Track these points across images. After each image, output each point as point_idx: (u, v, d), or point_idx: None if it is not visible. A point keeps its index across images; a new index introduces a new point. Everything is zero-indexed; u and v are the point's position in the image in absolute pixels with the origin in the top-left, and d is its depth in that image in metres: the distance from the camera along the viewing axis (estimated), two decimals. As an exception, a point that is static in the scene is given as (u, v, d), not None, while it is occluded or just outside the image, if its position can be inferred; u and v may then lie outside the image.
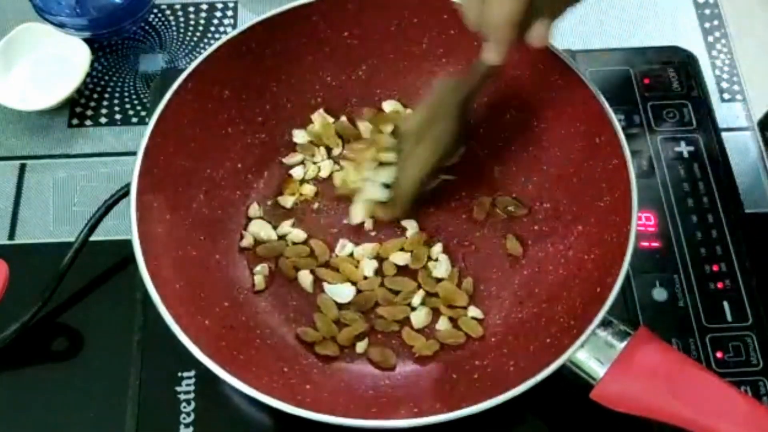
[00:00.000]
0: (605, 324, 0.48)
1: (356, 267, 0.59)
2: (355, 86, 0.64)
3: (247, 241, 0.60)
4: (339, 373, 0.55)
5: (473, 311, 0.58)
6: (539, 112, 0.60)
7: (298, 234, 0.60)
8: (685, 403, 0.46)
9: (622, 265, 0.50)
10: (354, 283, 0.58)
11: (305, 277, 0.59)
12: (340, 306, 0.58)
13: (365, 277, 0.59)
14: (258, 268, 0.59)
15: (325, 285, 0.58)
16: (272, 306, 0.58)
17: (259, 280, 0.58)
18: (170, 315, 0.48)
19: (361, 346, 0.56)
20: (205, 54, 0.56)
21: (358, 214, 0.60)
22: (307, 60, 0.62)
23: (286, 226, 0.61)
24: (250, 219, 0.61)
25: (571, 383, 0.48)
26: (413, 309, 0.58)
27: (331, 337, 0.56)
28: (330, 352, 0.56)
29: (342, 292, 0.58)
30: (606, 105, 0.55)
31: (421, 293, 0.58)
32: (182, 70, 0.56)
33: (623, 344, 0.48)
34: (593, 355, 0.48)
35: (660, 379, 0.47)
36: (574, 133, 0.58)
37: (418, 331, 0.57)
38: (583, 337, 0.48)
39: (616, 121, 0.54)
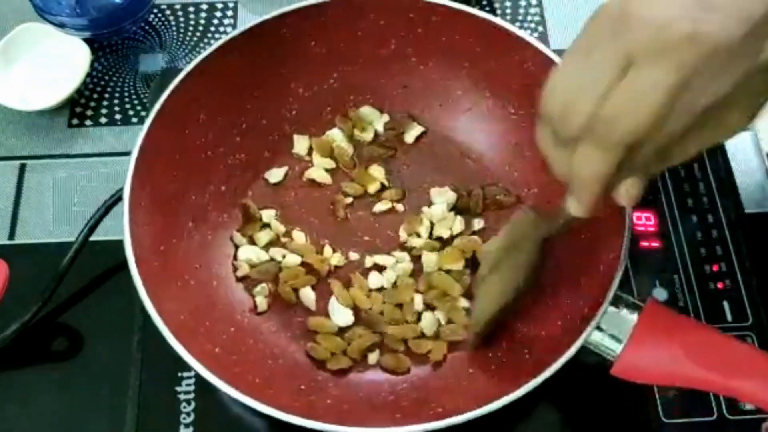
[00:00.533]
0: (615, 300, 0.49)
1: (361, 276, 0.59)
2: (327, 95, 0.64)
3: (242, 271, 0.59)
4: (355, 383, 0.55)
5: (464, 302, 0.57)
6: (515, 100, 0.61)
7: (291, 259, 0.60)
8: (705, 366, 0.46)
9: (622, 239, 0.50)
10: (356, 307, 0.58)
11: (307, 296, 0.58)
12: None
13: (369, 290, 0.58)
14: (257, 288, 0.58)
15: (332, 301, 0.58)
16: (278, 326, 0.57)
17: (260, 301, 0.58)
18: (187, 350, 0.48)
19: (373, 358, 0.56)
20: (175, 82, 0.56)
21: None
22: (279, 74, 0.62)
23: (277, 254, 0.60)
24: (237, 246, 0.60)
25: (584, 364, 0.48)
26: (419, 319, 0.57)
27: (341, 351, 0.56)
28: (342, 366, 0.55)
29: (342, 317, 0.57)
30: None
31: (419, 298, 0.58)
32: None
33: (635, 317, 0.48)
34: (608, 332, 0.48)
35: (676, 346, 0.47)
36: None
37: (425, 336, 0.57)
38: (599, 316, 0.48)
39: None
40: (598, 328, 0.48)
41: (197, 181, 0.59)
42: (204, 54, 0.57)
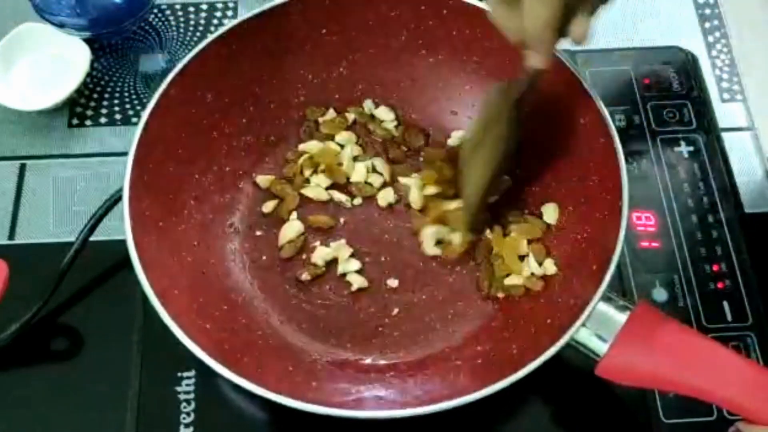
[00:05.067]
0: (604, 300, 0.49)
1: None
2: (336, 83, 0.64)
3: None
4: (341, 368, 0.55)
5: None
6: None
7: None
8: (689, 371, 0.47)
9: (617, 240, 0.50)
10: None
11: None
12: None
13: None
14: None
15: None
16: (271, 307, 0.58)
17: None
18: (175, 323, 0.48)
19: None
20: (184, 60, 0.56)
21: (429, 243, 0.59)
22: (288, 59, 0.62)
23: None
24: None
25: (571, 363, 0.49)
26: None
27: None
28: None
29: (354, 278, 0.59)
30: (586, 84, 0.55)
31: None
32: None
33: (624, 319, 0.48)
34: (595, 331, 0.48)
35: (663, 349, 0.47)
36: (555, 114, 0.58)
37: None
38: (585, 314, 0.48)
39: (600, 100, 0.54)
40: (585, 326, 0.48)
41: (201, 161, 0.59)
42: (215, 35, 0.57)
